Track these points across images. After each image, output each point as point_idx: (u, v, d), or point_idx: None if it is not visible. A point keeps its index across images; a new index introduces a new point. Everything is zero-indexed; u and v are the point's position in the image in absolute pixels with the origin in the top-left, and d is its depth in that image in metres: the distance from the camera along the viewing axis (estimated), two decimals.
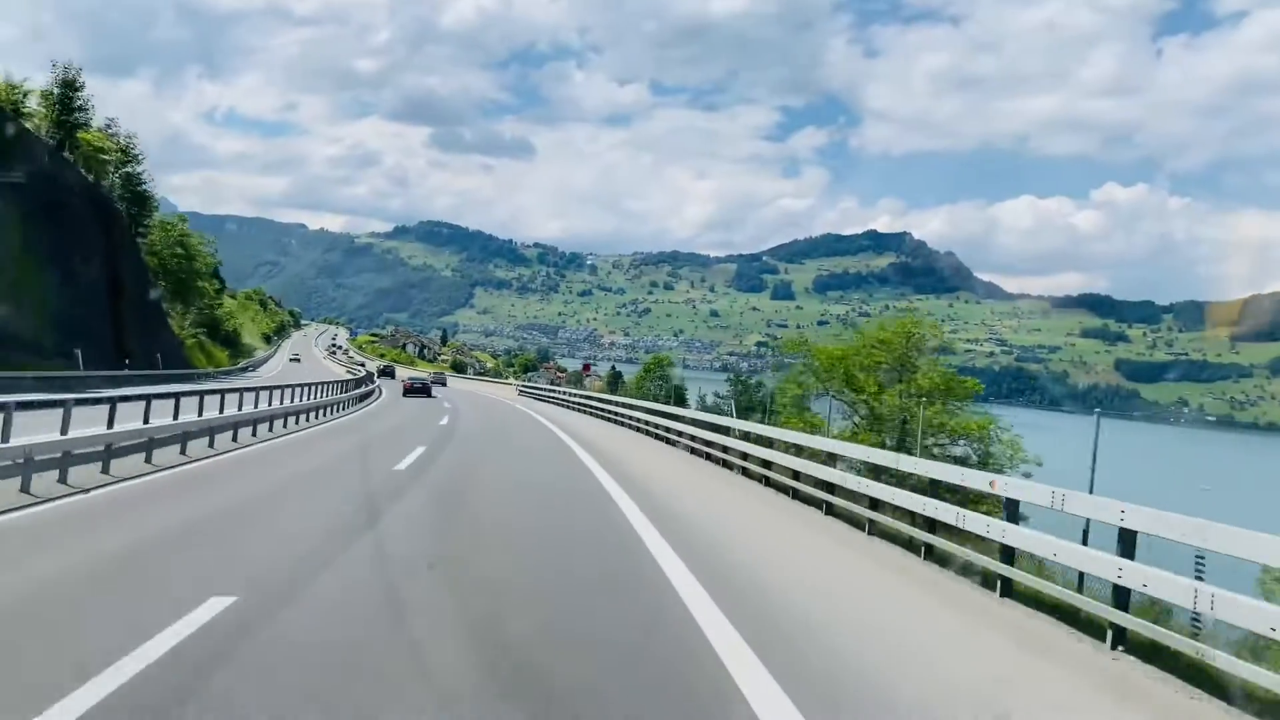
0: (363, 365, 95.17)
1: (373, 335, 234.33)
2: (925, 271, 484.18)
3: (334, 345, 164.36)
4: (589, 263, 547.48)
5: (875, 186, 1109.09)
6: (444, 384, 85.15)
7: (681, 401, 62.72)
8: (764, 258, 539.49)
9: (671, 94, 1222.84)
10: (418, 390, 56.42)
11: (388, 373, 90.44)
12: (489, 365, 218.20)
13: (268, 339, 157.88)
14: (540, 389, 77.31)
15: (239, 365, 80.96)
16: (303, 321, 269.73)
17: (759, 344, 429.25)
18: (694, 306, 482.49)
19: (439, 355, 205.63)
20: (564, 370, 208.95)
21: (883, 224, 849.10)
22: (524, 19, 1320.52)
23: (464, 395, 61.05)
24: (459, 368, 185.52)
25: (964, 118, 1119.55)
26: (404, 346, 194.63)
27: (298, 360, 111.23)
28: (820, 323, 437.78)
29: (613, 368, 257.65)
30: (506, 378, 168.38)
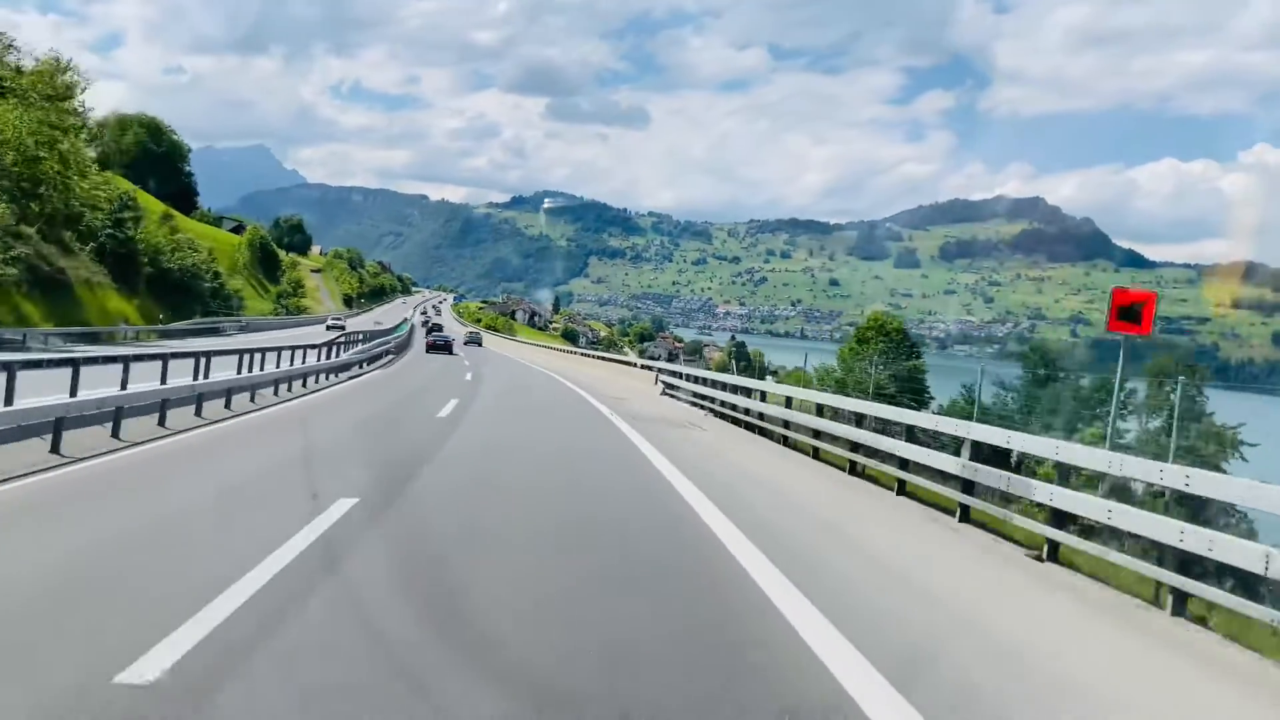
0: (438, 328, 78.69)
1: (484, 302, 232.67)
2: (1059, 238, 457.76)
3: (424, 314, 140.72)
4: (704, 230, 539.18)
5: (1004, 151, 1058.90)
6: (479, 343, 78.46)
7: None
8: (887, 224, 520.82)
9: (791, 58, 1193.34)
10: (439, 347, 56.44)
11: (474, 340, 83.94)
12: (603, 334, 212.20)
13: (349, 301, 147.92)
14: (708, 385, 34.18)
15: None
16: (414, 288, 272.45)
17: (883, 314, 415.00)
18: (812, 275, 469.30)
19: (550, 323, 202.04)
20: (680, 340, 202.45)
21: (1012, 189, 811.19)
22: None
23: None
24: (570, 337, 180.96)
25: (1101, 76, 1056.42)
26: (513, 314, 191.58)
27: (340, 325, 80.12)
28: (947, 291, 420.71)
29: (732, 337, 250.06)
30: (624, 350, 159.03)
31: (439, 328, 79.74)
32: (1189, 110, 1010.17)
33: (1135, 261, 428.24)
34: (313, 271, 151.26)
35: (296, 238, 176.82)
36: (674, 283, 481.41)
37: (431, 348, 55.52)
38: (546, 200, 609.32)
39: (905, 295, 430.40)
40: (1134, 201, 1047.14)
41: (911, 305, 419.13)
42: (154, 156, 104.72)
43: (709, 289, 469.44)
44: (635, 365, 42.56)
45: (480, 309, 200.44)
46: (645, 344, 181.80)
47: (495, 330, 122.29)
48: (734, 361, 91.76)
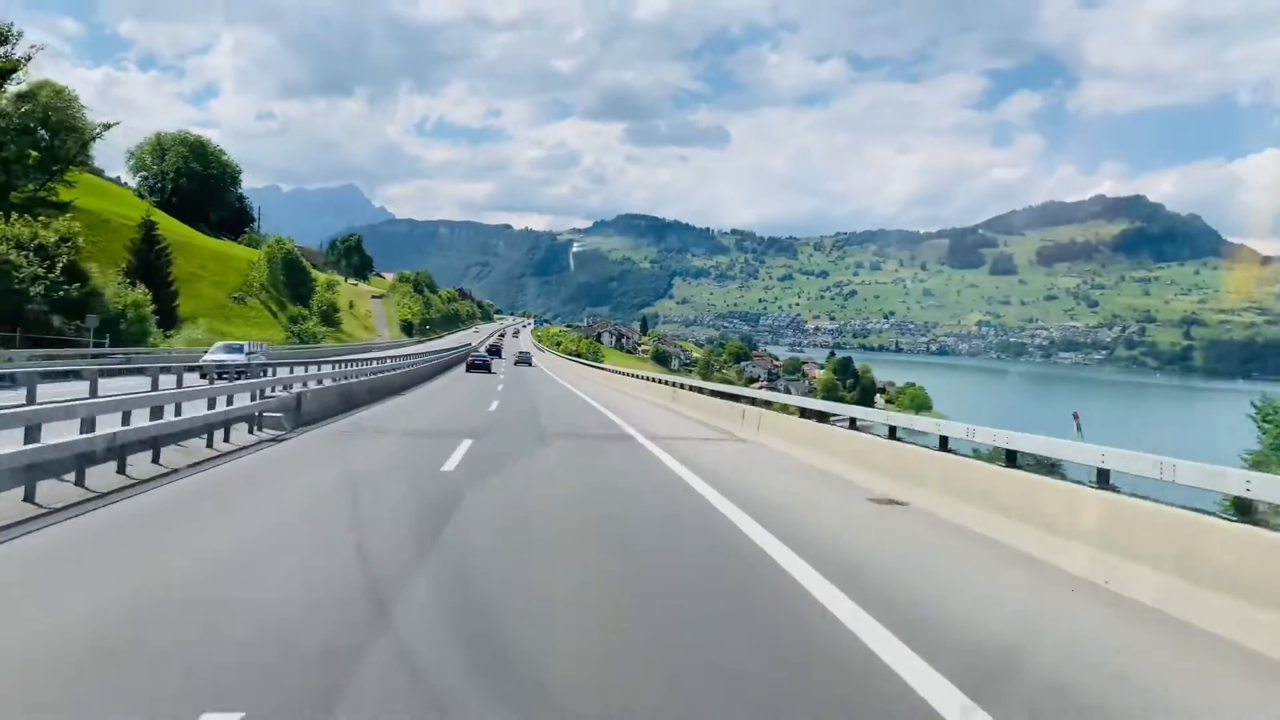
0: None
1: (568, 326, 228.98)
2: (1164, 237, 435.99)
3: (495, 341, 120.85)
4: (789, 245, 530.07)
5: (1097, 150, 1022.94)
6: (529, 363, 76.80)
7: None
8: (979, 230, 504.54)
9: (870, 68, 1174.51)
10: (478, 366, 58.53)
11: (524, 360, 78.40)
12: (695, 355, 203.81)
13: (409, 329, 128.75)
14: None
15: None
16: (496, 315, 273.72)
17: (980, 323, 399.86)
18: (904, 286, 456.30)
19: (639, 345, 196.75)
20: (777, 359, 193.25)
21: (1107, 189, 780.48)
22: (714, 4, 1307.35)
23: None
24: (661, 359, 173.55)
25: (1197, 67, 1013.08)
26: (599, 337, 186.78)
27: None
28: (1048, 297, 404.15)
29: (831, 353, 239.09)
30: (722, 372, 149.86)
31: (496, 350, 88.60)
32: None
33: (1251, 258, 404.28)
34: (374, 298, 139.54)
35: (354, 260, 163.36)
36: (760, 300, 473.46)
37: (471, 367, 58.30)
38: (628, 223, 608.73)
39: (1003, 303, 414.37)
40: (1239, 196, 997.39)
41: (1010, 313, 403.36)
42: (198, 178, 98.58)
43: (797, 305, 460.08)
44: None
45: (563, 333, 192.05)
46: (741, 363, 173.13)
47: (579, 356, 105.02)
48: (840, 379, 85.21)
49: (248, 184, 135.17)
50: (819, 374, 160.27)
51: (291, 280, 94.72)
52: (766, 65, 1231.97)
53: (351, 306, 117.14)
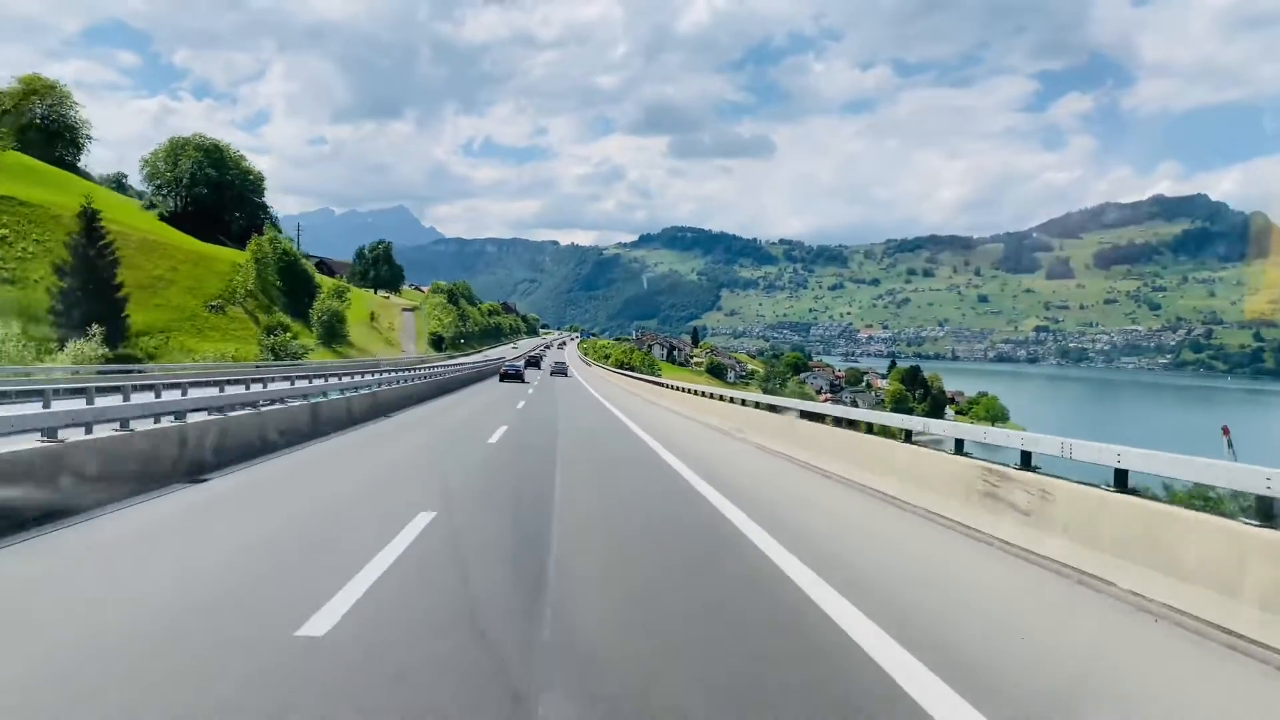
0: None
1: (617, 339, 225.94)
2: (1227, 236, 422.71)
3: (532, 358, 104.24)
4: (839, 254, 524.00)
5: (1152, 150, 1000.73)
6: (564, 374, 75.65)
7: None
8: (1033, 234, 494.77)
9: (916, 73, 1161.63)
10: (511, 376, 58.47)
11: (560, 370, 78.78)
12: (750, 367, 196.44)
13: (438, 343, 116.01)
14: None
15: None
16: (542, 329, 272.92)
17: (1038, 329, 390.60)
18: (959, 292, 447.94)
19: (690, 358, 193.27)
20: (838, 370, 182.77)
21: (1164, 189, 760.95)
22: (757, 14, 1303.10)
23: None
24: (716, 371, 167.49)
25: (1259, 60, 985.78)
26: (649, 349, 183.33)
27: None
28: (1107, 301, 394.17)
29: (893, 362, 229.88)
30: (785, 386, 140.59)
31: (535, 361, 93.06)
32: None
33: None
34: (405, 310, 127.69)
35: (383, 270, 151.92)
36: (810, 310, 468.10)
37: (504, 377, 59.18)
38: (674, 236, 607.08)
39: (1061, 307, 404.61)
40: None
41: (1069, 317, 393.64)
42: (214, 183, 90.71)
43: (848, 314, 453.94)
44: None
45: (611, 345, 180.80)
46: (802, 375, 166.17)
47: (632, 369, 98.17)
48: (909, 390, 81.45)
49: (300, 208, 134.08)
50: (882, 384, 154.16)
51: (291, 287, 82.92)
52: (811, 74, 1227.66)
53: (374, 319, 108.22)
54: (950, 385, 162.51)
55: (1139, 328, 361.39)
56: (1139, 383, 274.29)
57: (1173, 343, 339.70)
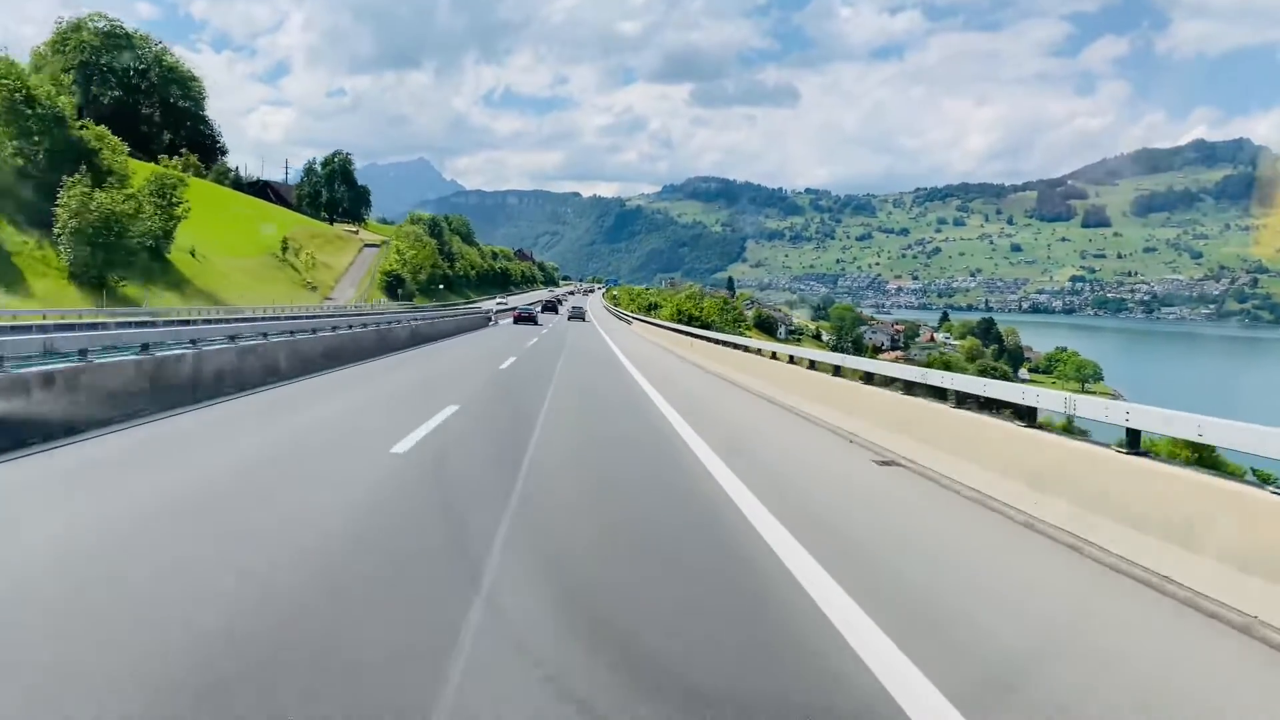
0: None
1: (647, 289, 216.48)
2: (1272, 181, 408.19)
3: (549, 302, 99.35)
4: (867, 203, 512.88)
5: (1187, 95, 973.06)
6: (582, 318, 71.17)
7: None
8: (1068, 182, 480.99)
9: (946, 16, 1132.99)
10: (525, 319, 60.58)
11: (578, 314, 76.04)
12: (798, 321, 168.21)
13: (395, 288, 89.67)
14: None
15: None
16: (561, 280, 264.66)
17: (1074, 278, 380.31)
18: (990, 242, 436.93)
19: (730, 308, 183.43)
20: (900, 324, 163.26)
21: (1200, 134, 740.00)
22: None
23: None
24: (766, 326, 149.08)
25: None
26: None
27: None
28: (1146, 250, 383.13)
29: (944, 315, 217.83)
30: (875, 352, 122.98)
31: (552, 305, 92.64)
32: None
33: None
34: (369, 246, 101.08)
35: (340, 193, 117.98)
36: (838, 261, 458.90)
37: (518, 319, 60.55)
38: (698, 186, 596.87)
39: (1098, 256, 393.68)
40: None
41: (1106, 267, 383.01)
42: (127, 83, 67.06)
43: (876, 265, 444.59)
44: None
45: (656, 293, 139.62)
46: (861, 328, 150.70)
47: (705, 330, 38.22)
48: (986, 347, 75.41)
49: (319, 160, 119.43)
50: (939, 337, 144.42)
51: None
52: (837, 19, 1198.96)
53: (298, 253, 78.35)
54: (1036, 342, 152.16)
55: (1180, 277, 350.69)
56: (1201, 334, 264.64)
57: (1216, 292, 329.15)
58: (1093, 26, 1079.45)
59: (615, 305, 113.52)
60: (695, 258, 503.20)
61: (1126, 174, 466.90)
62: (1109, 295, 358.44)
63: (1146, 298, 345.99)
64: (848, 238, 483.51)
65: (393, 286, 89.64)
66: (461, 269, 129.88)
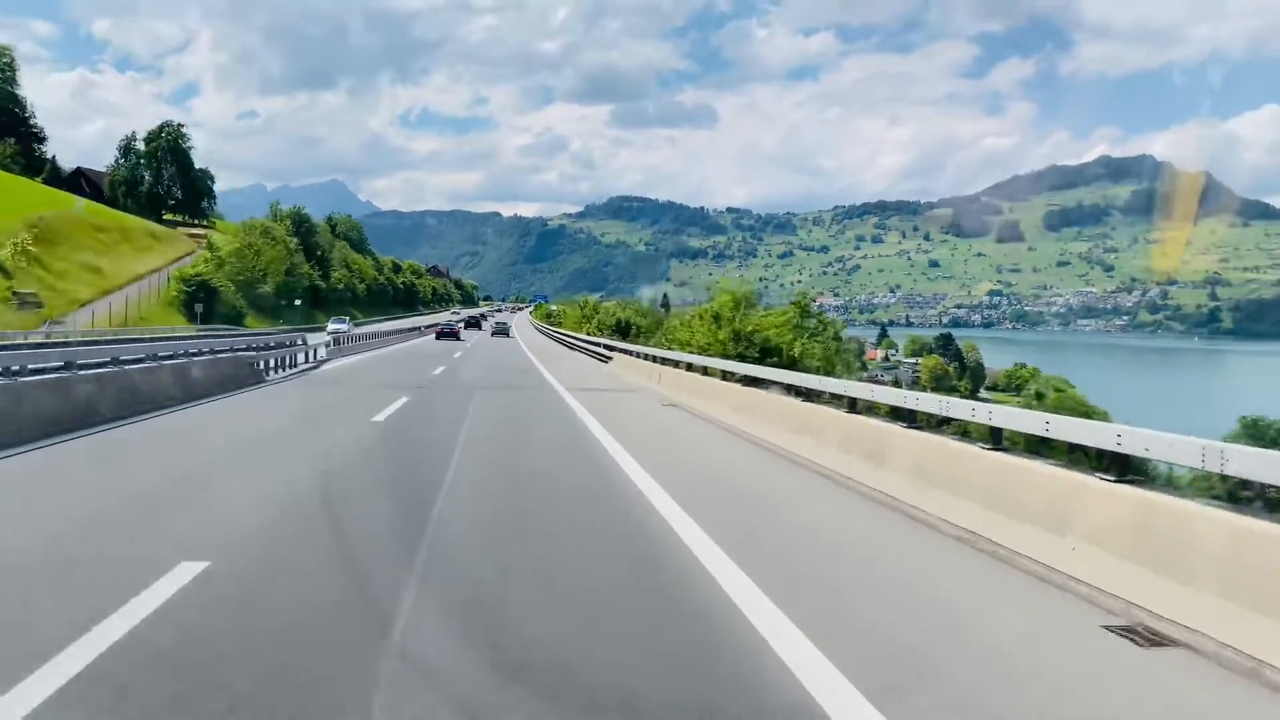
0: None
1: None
2: (1175, 196, 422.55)
3: (473, 318, 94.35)
4: (787, 222, 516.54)
5: (1090, 115, 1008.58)
6: (506, 333, 71.45)
7: None
8: (982, 198, 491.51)
9: (860, 38, 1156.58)
10: (447, 334, 60.34)
11: (502, 331, 75.02)
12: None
13: (194, 305, 61.77)
14: None
15: None
16: (482, 301, 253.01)
17: (991, 293, 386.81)
18: (908, 258, 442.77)
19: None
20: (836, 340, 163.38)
21: (1100, 153, 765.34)
22: None
23: None
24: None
25: (1192, 20, 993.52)
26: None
27: None
28: (1060, 263, 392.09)
29: (883, 331, 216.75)
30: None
31: (476, 321, 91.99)
32: None
33: (1267, 214, 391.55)
34: (207, 247, 75.96)
35: (169, 181, 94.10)
36: (760, 279, 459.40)
37: (440, 335, 60.28)
38: (621, 206, 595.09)
39: (1013, 270, 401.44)
40: (1236, 154, 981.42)
41: (1022, 281, 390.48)
42: None
43: (799, 282, 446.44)
44: None
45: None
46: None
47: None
48: (949, 366, 72.37)
49: (231, 184, 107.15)
50: (877, 355, 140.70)
51: None
52: (754, 40, 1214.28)
53: (22, 249, 53.59)
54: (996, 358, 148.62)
55: (1093, 289, 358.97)
56: (1117, 346, 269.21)
57: (1129, 304, 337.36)
58: (999, 48, 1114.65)
59: (553, 326, 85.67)
60: (619, 277, 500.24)
61: (1037, 190, 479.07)
62: (1026, 309, 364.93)
63: (1063, 310, 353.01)
64: (770, 256, 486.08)
65: (205, 300, 62.12)
66: (342, 281, 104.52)
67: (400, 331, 62.04)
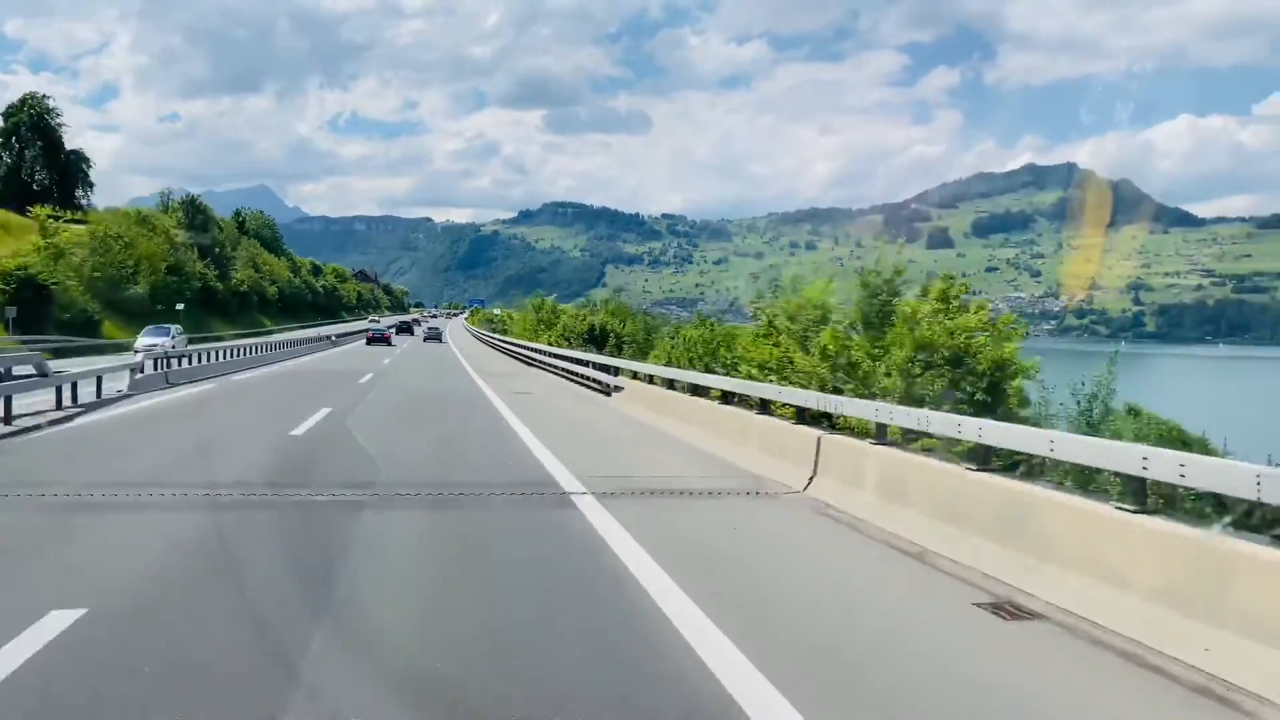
0: None
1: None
2: (1099, 203, 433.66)
3: (404, 323, 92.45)
4: (722, 229, 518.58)
5: (1015, 124, 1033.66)
6: (439, 339, 71.80)
7: None
8: (912, 205, 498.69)
9: (791, 47, 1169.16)
10: (377, 340, 60.47)
11: (435, 336, 75.53)
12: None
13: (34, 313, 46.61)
14: None
15: None
16: (413, 308, 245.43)
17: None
18: (841, 264, 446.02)
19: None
20: None
21: (1024, 161, 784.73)
22: None
23: None
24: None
25: (1113, 33, 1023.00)
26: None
27: None
28: (989, 269, 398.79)
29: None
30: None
31: (408, 326, 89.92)
32: (1205, 62, 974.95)
33: (1185, 221, 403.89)
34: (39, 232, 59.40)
35: (34, 161, 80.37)
36: (697, 285, 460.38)
37: (370, 340, 60.03)
38: (555, 212, 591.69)
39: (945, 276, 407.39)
40: (1152, 163, 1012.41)
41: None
42: None
43: (734, 288, 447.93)
44: None
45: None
46: None
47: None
48: None
49: (151, 189, 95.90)
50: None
51: None
52: (687, 47, 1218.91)
53: None
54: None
55: (1022, 294, 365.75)
56: (1053, 350, 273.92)
57: (1056, 309, 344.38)
58: (928, 58, 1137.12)
59: (497, 334, 73.14)
60: (555, 283, 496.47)
61: (966, 197, 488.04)
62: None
63: (991, 315, 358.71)
64: (705, 262, 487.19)
65: (33, 302, 47.62)
66: (246, 282, 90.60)
67: (301, 343, 51.41)
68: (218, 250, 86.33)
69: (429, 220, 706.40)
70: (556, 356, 33.64)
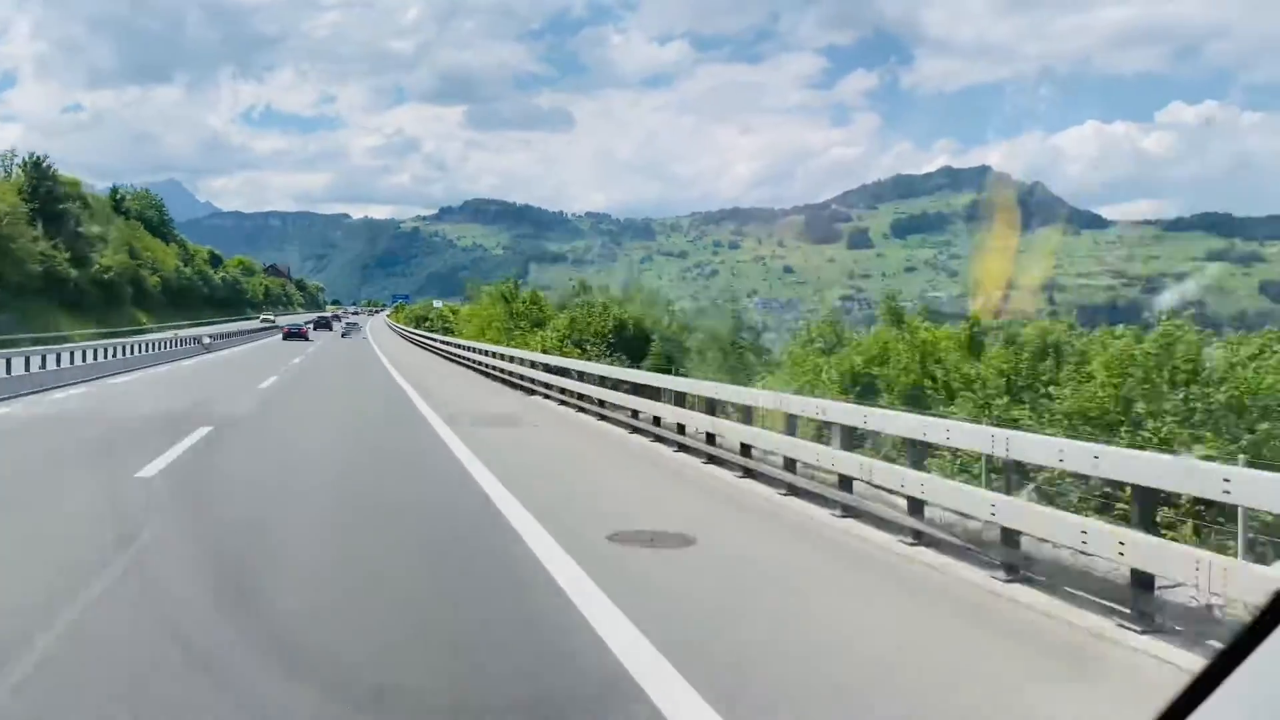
0: None
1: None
2: (1012, 206, 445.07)
3: (322, 319, 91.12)
4: (646, 227, 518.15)
5: (931, 127, 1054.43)
6: (358, 330, 75.35)
7: None
8: (833, 206, 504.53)
9: (712, 47, 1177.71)
10: (294, 335, 62.41)
11: (354, 328, 79.19)
12: None
13: None
14: None
15: None
16: (329, 305, 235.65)
17: (843, 298, 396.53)
18: (764, 263, 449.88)
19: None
20: None
21: (944, 162, 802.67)
22: None
23: None
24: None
25: (1024, 39, 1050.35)
26: None
27: None
28: (908, 269, 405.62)
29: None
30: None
31: (326, 322, 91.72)
32: (1110, 70, 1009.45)
33: (1096, 223, 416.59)
34: None
35: None
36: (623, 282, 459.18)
37: (287, 335, 60.92)
38: (477, 209, 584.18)
39: (864, 276, 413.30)
40: (1062, 167, 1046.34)
41: (872, 286, 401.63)
42: None
43: (660, 287, 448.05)
44: None
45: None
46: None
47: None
48: None
49: None
50: None
51: None
52: (609, 46, 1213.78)
53: None
54: None
55: (941, 294, 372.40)
56: None
57: (973, 308, 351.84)
58: (846, 61, 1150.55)
59: (432, 334, 66.14)
60: (479, 280, 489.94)
61: (885, 198, 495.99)
62: (878, 314, 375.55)
63: (914, 314, 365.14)
64: (630, 260, 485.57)
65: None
66: (113, 269, 77.04)
67: (161, 347, 42.43)
68: (73, 227, 72.00)
69: (347, 217, 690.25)
70: (610, 385, 18.23)
